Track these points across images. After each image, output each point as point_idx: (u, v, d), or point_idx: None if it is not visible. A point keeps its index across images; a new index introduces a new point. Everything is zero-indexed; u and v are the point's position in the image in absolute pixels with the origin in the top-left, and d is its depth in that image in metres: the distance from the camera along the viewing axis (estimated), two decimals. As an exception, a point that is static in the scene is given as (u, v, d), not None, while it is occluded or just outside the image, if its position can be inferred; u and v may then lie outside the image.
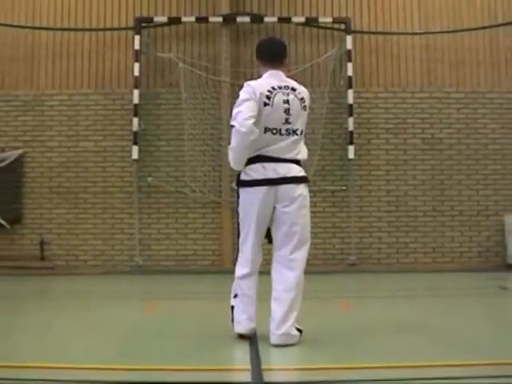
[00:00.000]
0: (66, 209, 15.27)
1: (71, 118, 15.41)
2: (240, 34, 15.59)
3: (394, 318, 8.13)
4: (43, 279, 14.33)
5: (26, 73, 15.46)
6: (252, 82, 6.36)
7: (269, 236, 6.43)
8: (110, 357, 5.81)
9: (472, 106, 15.48)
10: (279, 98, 6.33)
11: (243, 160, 6.26)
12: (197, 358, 5.77)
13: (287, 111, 6.34)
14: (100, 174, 15.34)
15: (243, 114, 6.11)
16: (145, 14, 15.41)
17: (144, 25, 15.30)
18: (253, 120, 6.11)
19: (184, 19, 15.28)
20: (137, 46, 15.05)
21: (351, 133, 15.01)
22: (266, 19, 15.29)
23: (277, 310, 6.12)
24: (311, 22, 15.40)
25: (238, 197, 6.43)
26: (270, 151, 6.30)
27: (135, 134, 14.97)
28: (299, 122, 6.42)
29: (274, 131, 6.30)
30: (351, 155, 15.02)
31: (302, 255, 6.49)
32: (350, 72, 15.03)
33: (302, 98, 6.47)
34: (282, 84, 6.43)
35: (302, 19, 15.34)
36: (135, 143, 14.97)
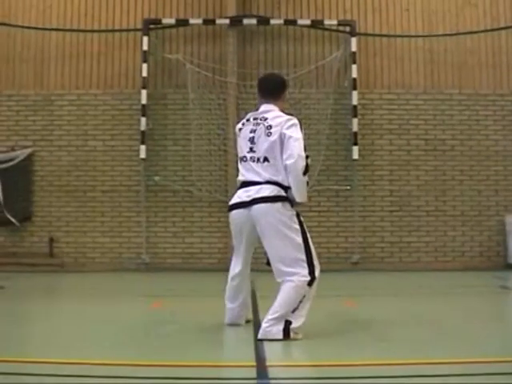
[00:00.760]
0: (75, 207, 15.44)
1: (80, 117, 15.57)
2: (246, 36, 15.73)
3: (397, 315, 8.25)
4: (52, 276, 14.48)
5: (35, 73, 15.63)
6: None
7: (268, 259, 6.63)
8: (114, 352, 5.91)
9: (474, 107, 15.62)
10: (247, 128, 6.76)
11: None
12: (202, 354, 5.86)
13: (251, 140, 6.68)
14: (108, 172, 15.51)
15: None
16: (153, 16, 15.58)
17: (152, 26, 15.46)
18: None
19: (191, 21, 15.44)
20: (145, 47, 15.21)
21: (355, 134, 15.17)
22: (272, 21, 15.43)
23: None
24: (317, 25, 15.54)
25: None
26: (243, 177, 6.75)
27: (143, 133, 15.14)
28: (264, 149, 6.61)
29: (244, 159, 6.75)
30: (355, 156, 15.19)
31: (289, 271, 6.49)
32: (354, 74, 15.17)
33: (268, 126, 6.63)
34: (259, 116, 6.77)
35: (307, 21, 15.50)
36: (143, 143, 15.14)
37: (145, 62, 15.19)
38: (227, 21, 15.36)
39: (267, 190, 6.53)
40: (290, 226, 6.54)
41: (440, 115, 15.62)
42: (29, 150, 15.43)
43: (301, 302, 6.37)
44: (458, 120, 15.62)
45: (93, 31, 15.64)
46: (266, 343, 6.12)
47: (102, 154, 15.53)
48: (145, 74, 15.16)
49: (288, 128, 6.53)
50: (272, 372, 5.12)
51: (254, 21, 15.44)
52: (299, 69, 15.30)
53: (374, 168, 15.57)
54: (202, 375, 5.07)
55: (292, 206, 6.58)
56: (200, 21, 15.45)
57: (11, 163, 15.22)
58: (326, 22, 15.54)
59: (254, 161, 6.64)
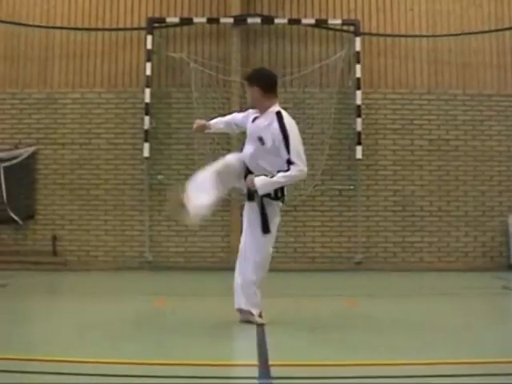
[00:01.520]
0: (78, 205, 15.46)
1: (84, 116, 15.58)
2: (250, 35, 15.74)
3: (399, 315, 8.29)
4: (55, 274, 14.51)
5: (39, 71, 15.64)
6: None
7: None
8: (116, 351, 5.93)
9: (478, 108, 15.61)
10: None
11: None
12: (204, 352, 5.88)
13: None
14: (111, 171, 15.53)
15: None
16: (157, 15, 15.59)
17: (156, 25, 15.47)
18: None
19: (195, 20, 15.45)
20: (149, 46, 15.22)
21: (359, 133, 15.15)
22: (277, 21, 15.43)
23: None
24: (321, 24, 15.54)
25: None
26: None
27: (146, 132, 15.14)
28: None
29: None
30: (359, 155, 15.17)
31: None
32: (358, 73, 15.16)
33: None
34: None
35: (311, 21, 15.50)
36: (146, 141, 15.14)
37: (149, 60, 15.20)
38: (231, 20, 15.36)
39: None
40: None
41: (444, 115, 15.62)
42: (32, 148, 15.44)
43: None
44: (462, 120, 15.62)
45: (97, 30, 15.66)
46: (268, 342, 6.13)
47: (105, 152, 15.55)
48: (148, 72, 15.17)
49: None
50: (274, 371, 5.12)
51: (258, 20, 15.44)
52: (303, 68, 15.30)
53: (378, 168, 15.57)
54: (204, 374, 5.07)
55: None
56: (204, 20, 15.47)
57: (15, 161, 15.22)
58: (331, 21, 15.54)
59: None
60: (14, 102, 15.60)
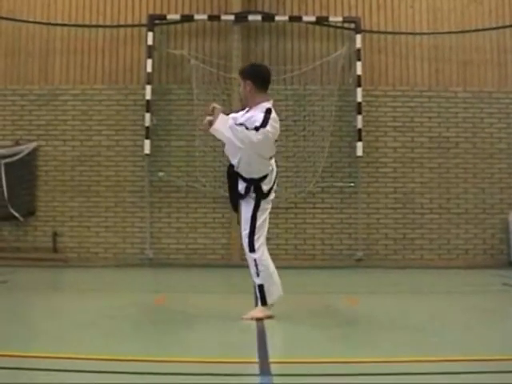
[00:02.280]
0: (79, 202, 15.47)
1: (84, 112, 15.60)
2: (251, 32, 15.75)
3: (399, 313, 8.30)
4: (55, 271, 14.53)
5: (40, 68, 15.65)
6: None
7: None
8: (115, 348, 5.94)
9: (479, 105, 15.62)
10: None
11: None
12: (205, 350, 5.89)
13: None
14: (112, 168, 15.54)
15: None
16: (158, 12, 15.60)
17: (157, 22, 15.48)
18: None
19: (196, 17, 15.46)
20: (150, 43, 15.23)
21: (359, 130, 15.16)
22: (277, 18, 15.44)
23: None
24: (322, 21, 15.54)
25: None
26: None
27: (147, 128, 15.14)
28: None
29: None
30: (359, 152, 15.18)
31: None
32: (359, 71, 15.16)
33: None
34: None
35: (312, 18, 15.50)
36: (147, 138, 15.14)
37: (149, 57, 15.21)
38: (232, 17, 15.38)
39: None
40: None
41: (444, 113, 15.63)
42: (33, 145, 15.45)
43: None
44: (463, 118, 15.63)
45: (98, 26, 15.67)
46: (268, 340, 6.14)
47: (106, 149, 15.56)
48: (149, 69, 15.17)
49: None
50: (274, 368, 5.13)
51: (258, 17, 15.45)
52: (304, 65, 15.31)
53: (378, 165, 15.58)
54: (205, 371, 5.07)
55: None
56: (205, 17, 15.47)
57: (15, 158, 15.23)
58: (331, 18, 15.55)
59: None
60: (14, 98, 15.60)
